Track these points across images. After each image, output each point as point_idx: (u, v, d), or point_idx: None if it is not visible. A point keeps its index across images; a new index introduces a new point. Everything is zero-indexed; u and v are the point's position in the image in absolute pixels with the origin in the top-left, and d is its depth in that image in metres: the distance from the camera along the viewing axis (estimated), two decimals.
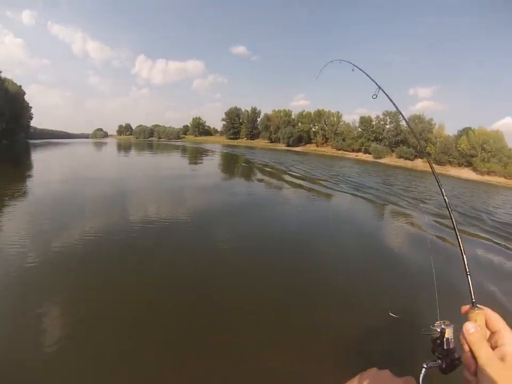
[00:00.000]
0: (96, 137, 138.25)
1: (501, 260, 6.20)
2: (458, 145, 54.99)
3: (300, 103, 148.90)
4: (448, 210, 0.79)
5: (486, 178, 50.54)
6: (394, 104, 1.35)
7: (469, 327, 0.60)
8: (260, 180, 14.37)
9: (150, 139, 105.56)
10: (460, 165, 55.19)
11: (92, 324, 3.03)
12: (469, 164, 54.33)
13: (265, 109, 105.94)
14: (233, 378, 2.53)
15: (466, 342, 0.59)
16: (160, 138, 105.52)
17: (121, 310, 3.31)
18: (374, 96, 1.45)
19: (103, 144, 49.76)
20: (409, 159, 57.87)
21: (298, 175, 17.24)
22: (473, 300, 0.66)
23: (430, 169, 0.95)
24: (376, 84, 1.47)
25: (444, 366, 0.67)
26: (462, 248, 0.76)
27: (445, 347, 0.67)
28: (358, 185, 15.51)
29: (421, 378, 0.66)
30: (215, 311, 3.40)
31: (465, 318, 0.65)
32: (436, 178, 0.81)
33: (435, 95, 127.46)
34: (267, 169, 19.07)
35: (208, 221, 6.71)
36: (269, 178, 15.30)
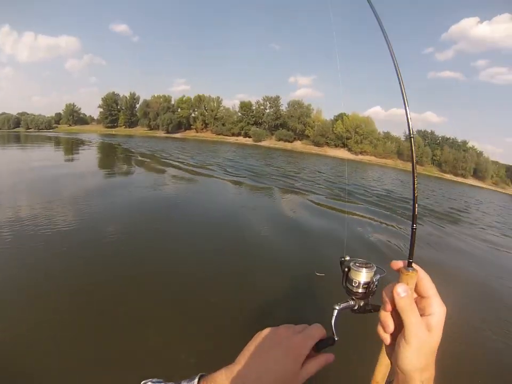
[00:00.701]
0: None
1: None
2: (334, 129, 57.75)
3: (180, 88, 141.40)
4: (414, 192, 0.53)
5: (360, 157, 54.87)
6: None
7: (400, 290, 0.52)
8: (136, 172, 13.07)
9: (16, 130, 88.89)
10: (336, 146, 58.16)
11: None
12: (344, 145, 58.15)
13: (145, 94, 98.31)
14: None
15: (390, 302, 0.54)
16: (28, 128, 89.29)
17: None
18: None
19: None
20: (289, 141, 59.25)
21: (176, 163, 16.11)
22: (411, 260, 0.56)
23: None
24: None
25: (355, 308, 0.63)
26: (415, 203, 0.59)
27: (361, 290, 0.62)
28: (239, 168, 15.50)
29: (332, 321, 0.60)
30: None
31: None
32: (413, 176, 0.58)
33: (314, 83, 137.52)
34: (144, 159, 17.62)
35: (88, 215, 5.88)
36: (145, 170, 13.93)
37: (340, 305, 0.61)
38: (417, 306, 0.53)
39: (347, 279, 0.63)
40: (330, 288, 3.19)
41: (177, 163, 15.99)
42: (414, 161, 0.59)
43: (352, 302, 0.62)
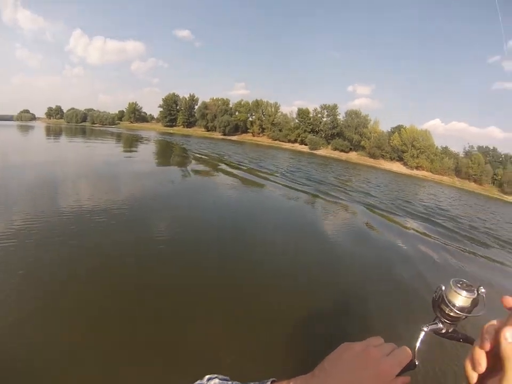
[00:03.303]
0: (22, 120, 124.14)
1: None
2: (391, 141, 57.04)
3: (239, 92, 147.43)
4: None
5: (415, 172, 53.71)
6: None
7: (509, 335, 0.45)
8: (196, 172, 12.89)
9: (82, 124, 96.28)
10: (391, 159, 57.39)
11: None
12: (400, 159, 56.86)
13: (205, 96, 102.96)
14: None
15: (491, 341, 0.47)
16: (94, 123, 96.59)
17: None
18: None
19: (30, 128, 42.86)
20: (344, 151, 59.00)
21: (241, 166, 15.97)
22: None
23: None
24: None
25: (443, 331, 0.57)
26: None
27: (453, 314, 0.55)
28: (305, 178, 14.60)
29: (418, 344, 0.55)
30: (159, 311, 2.92)
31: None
32: None
33: (372, 93, 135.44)
34: (204, 158, 18.01)
35: (152, 211, 6.20)
36: (205, 170, 13.94)
37: (428, 326, 0.57)
38: None
39: (442, 297, 0.56)
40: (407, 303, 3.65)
41: (238, 166, 15.42)
42: None
43: (440, 325, 0.57)
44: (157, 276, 3.48)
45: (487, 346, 0.48)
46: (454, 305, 0.54)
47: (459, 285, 0.55)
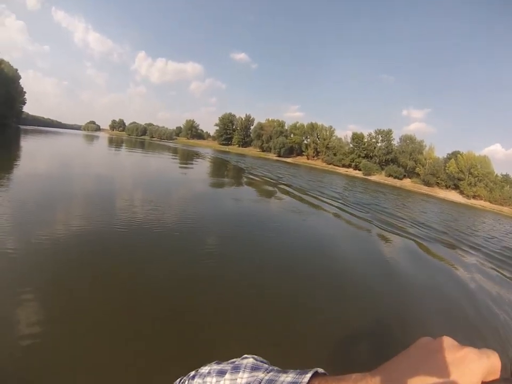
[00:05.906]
0: (88, 130, 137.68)
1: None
2: (446, 168, 55.84)
3: (294, 114, 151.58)
4: None
5: (472, 201, 51.26)
6: None
7: None
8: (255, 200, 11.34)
9: (142, 137, 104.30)
10: (447, 187, 55.97)
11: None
12: (456, 187, 55.16)
13: (260, 117, 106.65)
14: None
15: None
16: (152, 137, 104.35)
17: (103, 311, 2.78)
18: None
19: (95, 138, 48.83)
20: (398, 178, 58.62)
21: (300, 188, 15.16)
22: None
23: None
24: None
25: None
26: None
27: None
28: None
29: None
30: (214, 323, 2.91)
31: None
32: None
33: (427, 117, 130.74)
34: (260, 181, 16.58)
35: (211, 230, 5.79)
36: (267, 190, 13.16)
37: None
38: None
39: None
40: None
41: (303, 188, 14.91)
42: None
43: None
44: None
45: None
46: None
47: None
